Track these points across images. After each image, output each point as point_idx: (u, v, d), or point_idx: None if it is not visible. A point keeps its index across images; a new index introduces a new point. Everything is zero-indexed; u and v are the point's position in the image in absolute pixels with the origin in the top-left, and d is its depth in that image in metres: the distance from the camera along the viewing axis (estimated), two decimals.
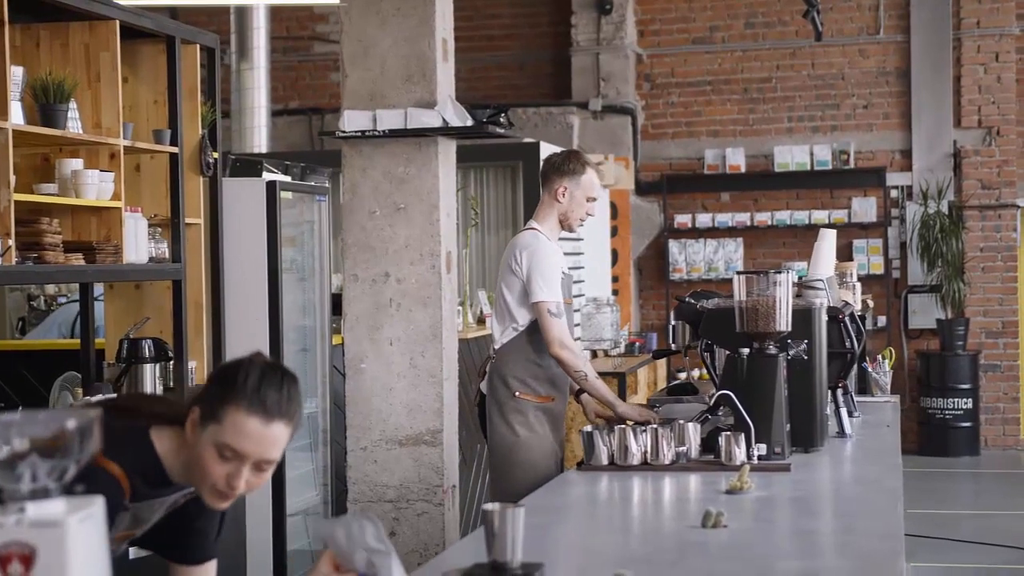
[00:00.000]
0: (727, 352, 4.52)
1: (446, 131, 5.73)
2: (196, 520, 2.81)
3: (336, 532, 2.52)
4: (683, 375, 12.13)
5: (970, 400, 12.11)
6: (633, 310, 12.77)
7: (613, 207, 12.26)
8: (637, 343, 10.97)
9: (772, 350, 4.37)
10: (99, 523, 1.77)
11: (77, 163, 4.94)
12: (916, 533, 8.58)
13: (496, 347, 5.23)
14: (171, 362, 5.49)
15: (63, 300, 9.09)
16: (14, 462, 1.72)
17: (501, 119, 6.04)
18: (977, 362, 12.24)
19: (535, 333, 5.11)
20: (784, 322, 4.36)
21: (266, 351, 6.38)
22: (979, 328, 12.40)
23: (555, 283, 5.07)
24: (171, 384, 5.52)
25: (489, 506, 2.72)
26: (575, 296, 8.82)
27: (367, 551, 2.52)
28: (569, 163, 5.24)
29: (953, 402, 12.09)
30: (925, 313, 12.45)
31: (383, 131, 5.68)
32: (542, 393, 5.15)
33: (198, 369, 5.77)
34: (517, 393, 5.13)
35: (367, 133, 5.69)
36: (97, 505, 1.78)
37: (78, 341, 5.70)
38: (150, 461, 2.62)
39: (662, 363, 11.26)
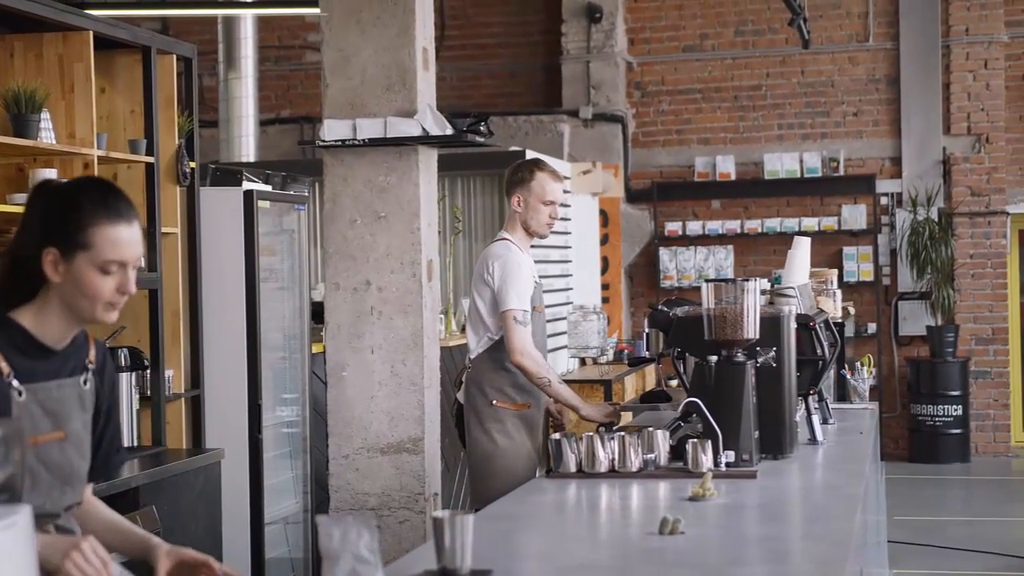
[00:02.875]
0: (696, 359, 4.53)
1: (426, 140, 5.75)
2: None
3: (332, 530, 2.54)
4: (674, 383, 12.13)
5: (960, 407, 12.12)
6: (624, 318, 12.78)
7: (604, 215, 12.29)
8: (626, 351, 10.98)
9: (740, 357, 4.38)
10: (24, 532, 1.79)
11: (51, 173, 4.96)
12: (904, 540, 8.59)
13: (471, 356, 5.31)
14: (147, 371, 5.50)
15: None
16: None
17: (481, 128, 6.06)
18: (967, 369, 12.25)
19: None
20: (752, 330, 4.37)
21: (244, 360, 6.45)
22: (969, 335, 12.41)
23: (525, 293, 5.14)
24: (148, 393, 5.53)
25: (438, 514, 2.74)
26: (551, 305, 8.87)
27: (354, 558, 2.54)
28: (518, 172, 5.35)
29: (943, 409, 12.10)
30: (915, 320, 12.46)
31: (363, 140, 5.70)
32: (518, 401, 5.21)
33: (175, 378, 5.78)
34: (494, 402, 5.21)
35: (347, 142, 5.71)
36: (23, 514, 1.79)
37: None
38: (18, 334, 2.64)
39: (651, 370, 11.26)
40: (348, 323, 5.68)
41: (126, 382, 5.34)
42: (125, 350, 5.38)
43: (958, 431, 12.14)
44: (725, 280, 4.45)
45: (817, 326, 5.01)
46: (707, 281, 4.45)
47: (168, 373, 5.68)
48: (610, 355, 10.47)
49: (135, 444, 5.34)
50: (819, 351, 4.99)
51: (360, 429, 5.65)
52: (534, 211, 5.28)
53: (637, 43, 13.07)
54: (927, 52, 12.46)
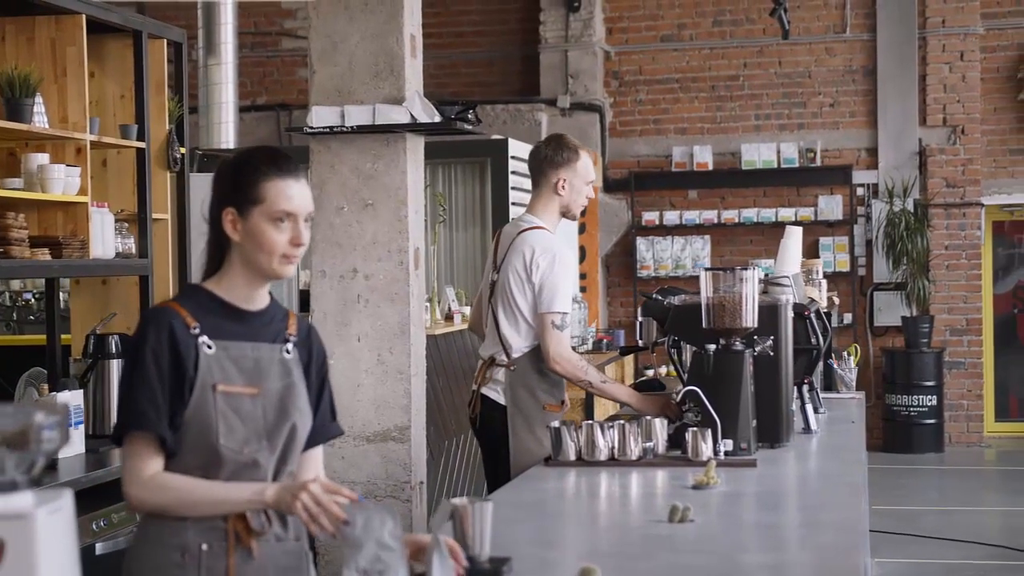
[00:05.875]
0: (694, 348, 4.53)
1: (414, 127, 5.74)
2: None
3: (355, 517, 2.56)
4: (650, 372, 12.18)
5: (934, 397, 12.20)
6: (600, 307, 12.80)
7: None
8: (605, 340, 11.01)
9: (738, 346, 4.39)
10: (68, 516, 1.77)
11: (43, 157, 4.91)
12: (880, 529, 8.64)
13: (514, 355, 4.97)
14: None
15: (28, 296, 9.04)
16: None
17: (469, 116, 6.05)
18: (941, 359, 12.33)
19: None
20: (750, 318, 4.38)
21: None
22: (943, 325, 12.49)
23: (568, 294, 4.88)
24: None
25: (458, 501, 2.73)
26: None
27: (378, 545, 2.55)
28: (562, 152, 4.99)
29: (918, 399, 12.18)
30: (890, 310, 12.53)
31: (351, 127, 5.67)
32: (562, 400, 5.03)
33: None
34: (546, 406, 4.95)
35: (335, 129, 5.69)
36: (65, 499, 1.78)
37: (44, 337, 5.66)
38: (205, 297, 2.83)
39: (630, 360, 11.30)
40: (334, 311, 5.67)
41: (116, 369, 5.30)
42: (116, 337, 5.34)
43: (932, 421, 12.22)
44: (723, 269, 4.44)
45: (811, 315, 5.03)
46: (706, 270, 4.44)
47: None
48: (589, 344, 10.49)
49: None
50: (813, 340, 5.01)
51: (346, 417, 5.63)
52: (577, 193, 4.98)
53: (615, 32, 13.08)
54: (904, 43, 12.52)
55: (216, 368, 2.77)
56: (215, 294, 2.84)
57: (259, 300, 2.88)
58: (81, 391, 5.15)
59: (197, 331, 2.77)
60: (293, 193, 2.80)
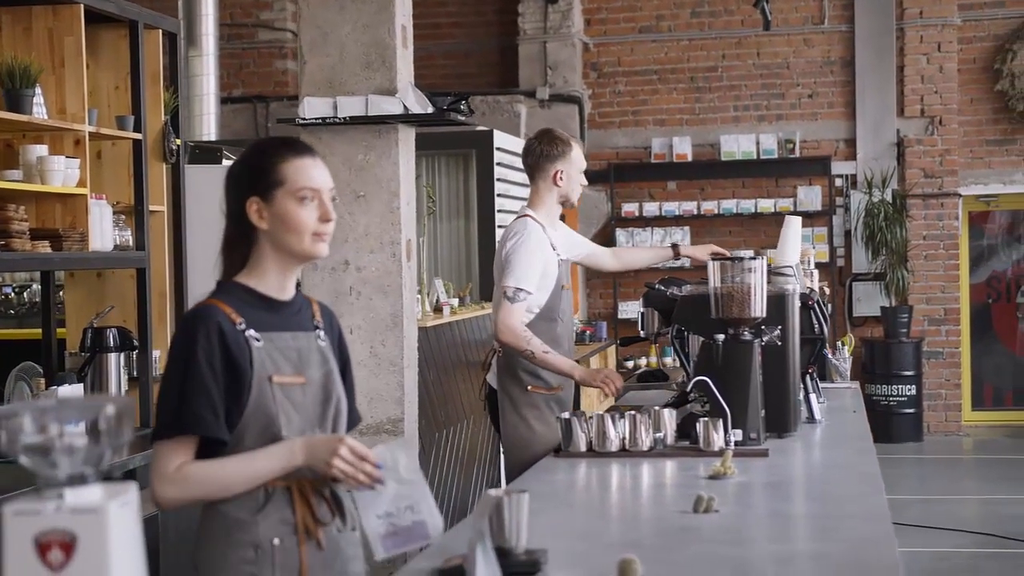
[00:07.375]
0: (702, 338, 4.53)
1: (407, 118, 5.71)
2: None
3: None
4: (630, 364, 12.19)
5: (913, 387, 12.26)
6: (580, 299, 12.80)
7: None
8: (587, 332, 11.01)
9: (747, 336, 4.38)
10: (134, 509, 1.75)
11: (42, 149, 4.86)
12: None
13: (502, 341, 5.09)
14: (135, 351, 5.42)
15: (8, 290, 8.96)
16: (51, 448, 1.70)
17: (461, 107, 6.03)
18: (920, 349, 12.39)
19: (540, 323, 5.04)
20: (759, 308, 4.38)
21: None
22: (922, 315, 12.55)
23: (528, 272, 4.99)
24: (135, 374, 5.45)
25: (494, 492, 2.71)
26: None
27: (398, 483, 2.56)
28: (556, 146, 5.19)
29: (897, 389, 12.23)
30: (869, 301, 12.58)
31: (344, 118, 5.65)
32: (552, 384, 5.10)
33: (162, 358, 5.70)
34: (529, 387, 5.08)
35: (327, 120, 5.66)
36: (132, 492, 1.75)
37: (39, 331, 5.61)
38: (240, 291, 2.81)
39: (612, 351, 11.31)
40: (327, 303, 5.62)
41: (115, 363, 5.26)
42: (114, 330, 5.29)
43: (911, 411, 12.28)
44: (731, 259, 4.44)
45: (815, 304, 5.04)
46: (713, 259, 4.44)
47: (155, 353, 5.59)
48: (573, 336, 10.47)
49: None
50: (817, 329, 5.01)
51: None
52: (574, 183, 5.22)
53: (593, 23, 13.07)
54: (882, 34, 12.56)
55: (268, 360, 2.76)
56: (249, 287, 2.82)
57: (289, 289, 2.88)
58: (81, 385, 5.10)
59: (243, 326, 2.75)
60: (312, 168, 2.81)
